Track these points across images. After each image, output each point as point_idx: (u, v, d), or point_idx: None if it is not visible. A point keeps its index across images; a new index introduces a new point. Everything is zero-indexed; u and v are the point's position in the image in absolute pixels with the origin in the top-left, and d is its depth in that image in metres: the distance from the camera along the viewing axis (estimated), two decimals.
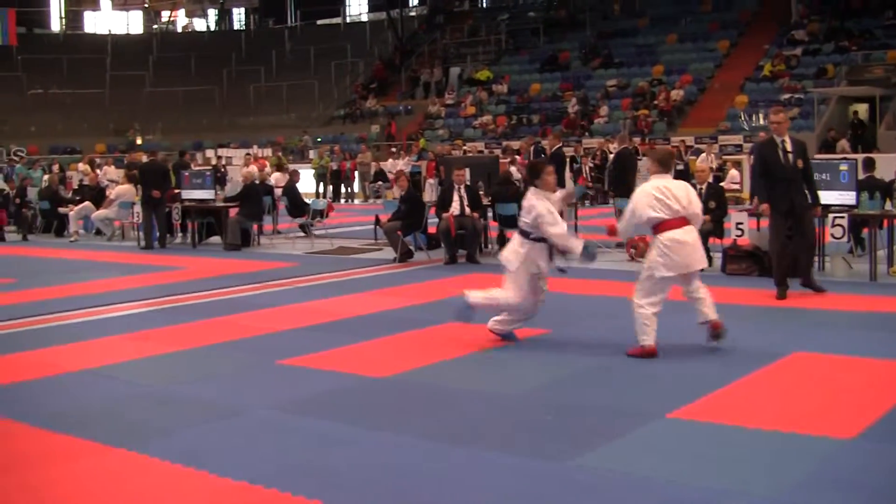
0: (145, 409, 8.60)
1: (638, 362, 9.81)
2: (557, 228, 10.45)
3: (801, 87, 41.92)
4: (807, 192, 13.70)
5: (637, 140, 35.99)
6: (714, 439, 7.33)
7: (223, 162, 42.82)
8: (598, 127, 44.33)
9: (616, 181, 21.61)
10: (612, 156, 26.76)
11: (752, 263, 15.51)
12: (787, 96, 41.61)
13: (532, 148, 24.53)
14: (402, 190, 19.56)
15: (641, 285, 10.11)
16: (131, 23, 76.81)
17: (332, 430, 7.74)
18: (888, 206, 15.50)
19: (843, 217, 14.97)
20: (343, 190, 42.07)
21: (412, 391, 8.99)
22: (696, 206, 10.26)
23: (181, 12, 77.23)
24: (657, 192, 10.04)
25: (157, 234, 22.57)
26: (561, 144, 23.26)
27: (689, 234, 10.08)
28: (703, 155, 33.11)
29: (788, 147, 13.66)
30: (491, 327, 11.05)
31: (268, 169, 31.85)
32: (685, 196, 10.13)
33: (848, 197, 15.03)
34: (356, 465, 6.92)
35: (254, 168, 28.27)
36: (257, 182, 23.81)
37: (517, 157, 28.45)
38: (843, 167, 15.24)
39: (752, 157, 32.41)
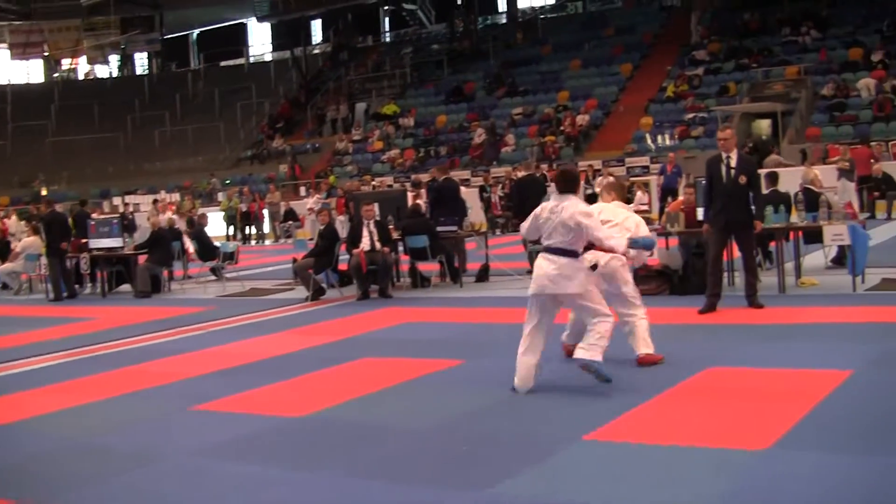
0: (62, 463, 8.48)
1: (549, 388, 9.84)
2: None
3: (704, 107, 42.55)
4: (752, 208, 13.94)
5: (545, 166, 36.18)
6: (632, 459, 7.37)
7: (130, 209, 42.51)
8: (506, 155, 44.52)
9: (518, 208, 21.57)
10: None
11: (662, 282, 15.65)
12: (690, 116, 42.21)
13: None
14: (323, 225, 19.49)
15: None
16: (31, 71, 76.21)
17: (254, 473, 7.68)
18: (793, 218, 15.72)
19: None
20: (253, 231, 41.89)
21: (331, 429, 8.94)
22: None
23: (82, 59, 76.58)
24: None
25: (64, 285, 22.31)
26: (448, 176, 23.30)
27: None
28: (601, 178, 33.37)
29: (733, 163, 13.78)
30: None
31: (170, 214, 31.48)
32: None
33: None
34: None
35: (168, 215, 28.13)
36: (165, 228, 23.66)
37: (422, 191, 28.58)
38: None
39: (660, 177, 32.95)
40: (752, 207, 13.98)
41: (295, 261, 19.82)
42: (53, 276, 22.07)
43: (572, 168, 10.64)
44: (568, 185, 9.90)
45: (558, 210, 9.65)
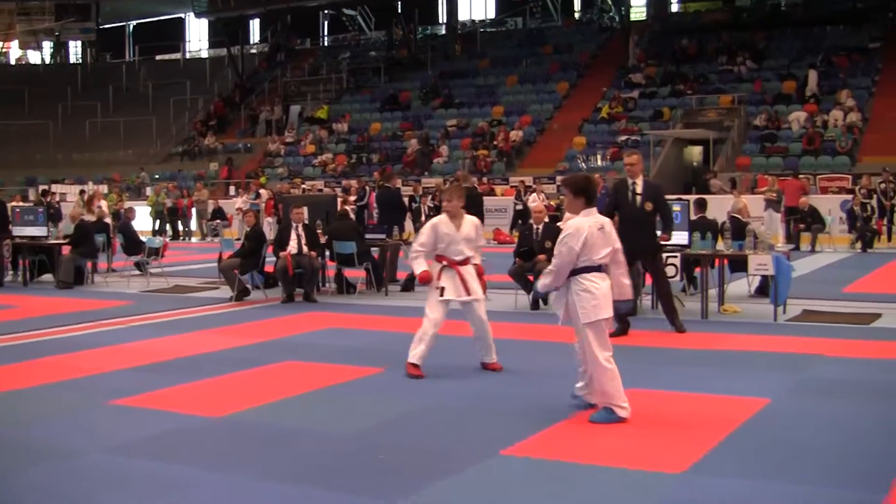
0: None
1: (469, 400, 9.87)
2: None
3: (637, 129, 42.83)
4: (660, 231, 14.12)
5: (474, 179, 36.18)
6: (548, 475, 7.39)
7: (56, 198, 42.03)
8: (438, 166, 44.57)
9: None
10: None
11: None
12: (623, 138, 42.43)
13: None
14: (249, 227, 19.35)
15: None
16: None
17: (169, 472, 7.63)
18: (719, 245, 15.84)
19: (675, 256, 15.24)
20: (180, 228, 41.58)
21: (249, 431, 8.89)
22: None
23: (15, 44, 75.78)
24: None
25: None
26: (390, 184, 23.55)
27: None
28: (534, 195, 33.45)
29: (639, 189, 13.85)
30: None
31: (103, 206, 31.06)
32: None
33: (680, 237, 15.25)
34: None
35: (102, 206, 27.90)
36: (87, 220, 23.45)
37: (351, 197, 28.65)
38: (676, 208, 15.44)
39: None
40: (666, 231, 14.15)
41: (221, 260, 19.73)
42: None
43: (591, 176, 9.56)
44: (592, 196, 9.20)
45: (604, 225, 9.07)
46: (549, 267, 9.21)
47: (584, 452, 7.88)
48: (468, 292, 11.20)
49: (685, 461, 7.59)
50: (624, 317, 13.53)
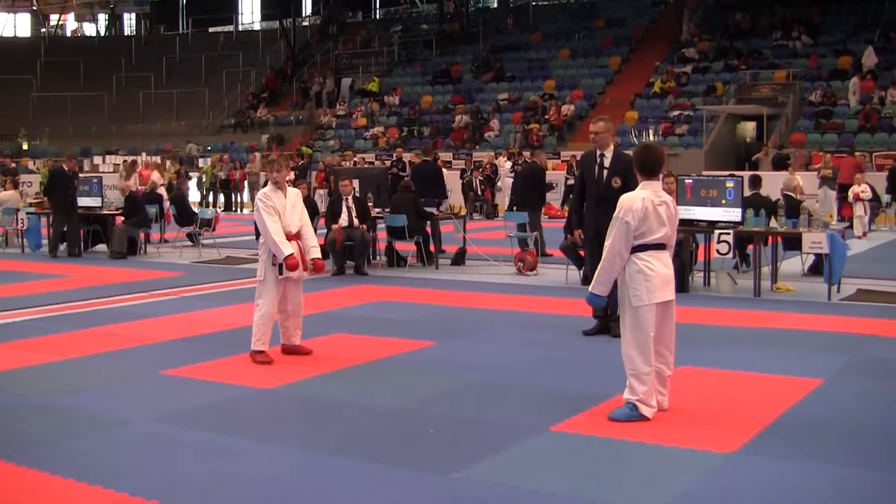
0: (26, 420, 8.41)
1: (520, 376, 9.84)
2: None
3: (690, 105, 42.45)
4: None
5: (544, 156, 35.96)
6: (598, 452, 7.37)
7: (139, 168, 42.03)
8: (489, 140, 44.48)
9: (518, 198, 20.95)
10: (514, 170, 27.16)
11: None
12: (676, 113, 42.13)
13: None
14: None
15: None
16: (19, 25, 75.68)
17: (217, 442, 7.65)
18: (773, 223, 15.70)
19: (728, 233, 15.10)
20: (233, 199, 41.66)
21: (298, 403, 8.92)
22: None
23: (70, 16, 76.14)
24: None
25: (42, 241, 22.38)
26: (401, 155, 23.57)
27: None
28: None
29: (606, 162, 12.02)
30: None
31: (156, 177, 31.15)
32: None
33: (734, 214, 15.16)
34: (240, 478, 6.85)
35: (156, 176, 28.01)
36: (136, 191, 23.56)
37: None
38: (730, 184, 15.37)
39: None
40: None
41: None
42: (58, 232, 22.11)
43: (658, 147, 8.45)
44: (657, 168, 8.47)
45: (665, 199, 8.36)
46: (602, 260, 8.32)
47: (634, 430, 7.82)
48: (304, 267, 10.94)
49: (736, 441, 7.52)
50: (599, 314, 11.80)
